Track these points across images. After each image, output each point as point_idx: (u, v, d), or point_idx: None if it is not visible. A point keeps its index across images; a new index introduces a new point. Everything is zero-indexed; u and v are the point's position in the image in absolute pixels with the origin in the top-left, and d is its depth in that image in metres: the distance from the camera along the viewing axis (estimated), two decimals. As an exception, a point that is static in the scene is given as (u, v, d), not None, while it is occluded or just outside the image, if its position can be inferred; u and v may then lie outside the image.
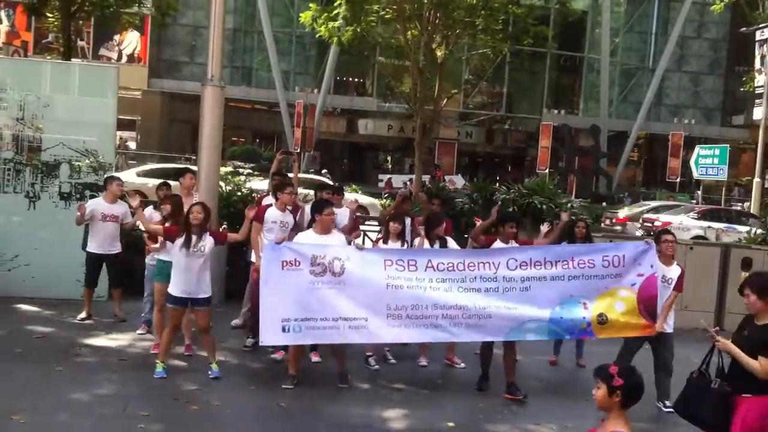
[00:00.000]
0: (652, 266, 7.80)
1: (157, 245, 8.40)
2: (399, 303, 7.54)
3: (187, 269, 7.56)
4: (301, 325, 7.40)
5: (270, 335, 7.46)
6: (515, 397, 7.73)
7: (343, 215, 9.01)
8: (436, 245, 8.22)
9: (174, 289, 7.62)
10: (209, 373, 7.72)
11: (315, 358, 8.44)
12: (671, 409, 7.71)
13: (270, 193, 9.75)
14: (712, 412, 5.21)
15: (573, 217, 10.67)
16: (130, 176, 21.18)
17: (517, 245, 8.11)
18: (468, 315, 7.60)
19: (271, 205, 8.93)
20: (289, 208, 8.92)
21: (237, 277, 10.25)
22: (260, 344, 7.87)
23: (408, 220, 8.95)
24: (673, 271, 7.89)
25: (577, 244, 8.61)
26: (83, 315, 9.52)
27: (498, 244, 8.19)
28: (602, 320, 7.80)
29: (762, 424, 4.99)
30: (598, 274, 7.80)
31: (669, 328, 7.86)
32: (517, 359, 8.16)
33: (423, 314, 7.58)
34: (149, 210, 9.28)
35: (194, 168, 11.95)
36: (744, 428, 5.00)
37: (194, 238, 7.55)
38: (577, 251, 7.99)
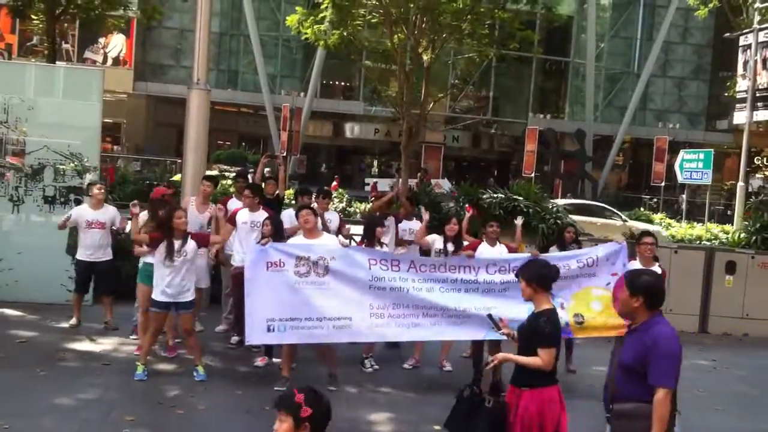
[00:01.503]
0: (624, 265, 7.96)
1: (144, 249, 8.35)
2: (381, 302, 7.70)
3: (170, 274, 7.57)
4: (286, 325, 7.44)
5: (255, 335, 7.52)
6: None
7: (333, 220, 9.25)
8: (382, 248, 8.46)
9: (157, 293, 7.60)
10: (194, 375, 7.70)
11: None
12: None
13: (234, 195, 9.96)
14: (487, 429, 4.95)
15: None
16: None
17: (497, 256, 8.29)
18: (448, 314, 7.81)
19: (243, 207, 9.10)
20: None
21: (222, 281, 10.21)
22: (246, 343, 7.91)
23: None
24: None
25: (553, 254, 8.69)
26: (74, 321, 9.40)
27: (483, 245, 8.37)
28: (579, 321, 7.93)
29: (540, 419, 4.84)
30: (573, 275, 8.00)
31: None
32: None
33: (404, 313, 7.76)
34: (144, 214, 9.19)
35: (212, 172, 11.98)
36: (523, 422, 4.83)
37: (177, 243, 7.56)
38: (554, 257, 8.13)
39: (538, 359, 4.80)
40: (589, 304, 7.95)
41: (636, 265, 7.94)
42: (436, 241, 8.89)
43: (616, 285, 7.83)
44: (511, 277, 7.85)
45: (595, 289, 7.95)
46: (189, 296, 7.70)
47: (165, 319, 7.81)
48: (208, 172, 10.61)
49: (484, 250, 8.48)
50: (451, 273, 7.88)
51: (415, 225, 9.66)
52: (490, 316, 5.31)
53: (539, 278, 5.00)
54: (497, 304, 7.79)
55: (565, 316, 7.85)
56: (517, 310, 7.78)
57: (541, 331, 4.84)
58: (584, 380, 9.00)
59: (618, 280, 7.75)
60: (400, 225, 9.65)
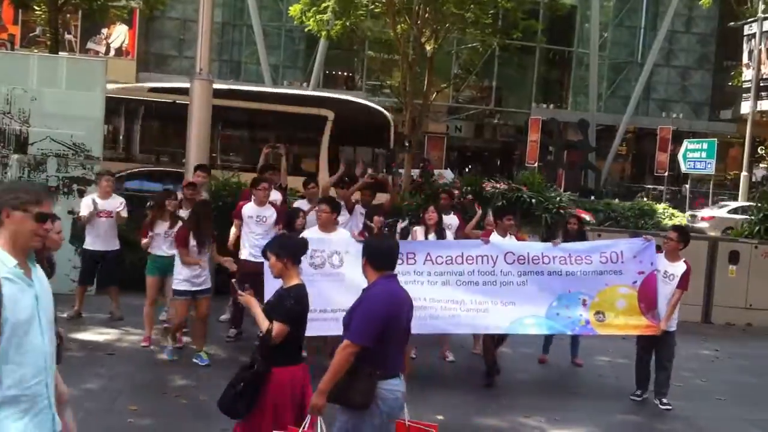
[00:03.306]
0: (652, 263, 7.83)
1: (146, 240, 8.51)
2: None
3: (197, 265, 7.81)
4: None
5: None
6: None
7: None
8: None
9: (181, 283, 7.77)
10: (197, 360, 7.80)
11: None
12: (669, 407, 7.76)
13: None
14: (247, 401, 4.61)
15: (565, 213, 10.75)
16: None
17: (515, 240, 8.22)
18: (466, 309, 7.69)
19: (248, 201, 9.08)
20: (278, 198, 9.13)
21: (226, 272, 10.20)
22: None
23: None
24: (677, 268, 7.71)
25: (575, 242, 8.59)
26: (72, 313, 9.41)
27: (495, 236, 8.29)
28: (600, 318, 7.83)
29: (299, 395, 4.65)
30: (595, 269, 7.87)
31: (672, 327, 7.77)
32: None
33: (420, 306, 7.65)
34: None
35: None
36: (281, 401, 4.57)
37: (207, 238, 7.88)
38: (575, 248, 8.07)
39: (266, 324, 4.55)
40: (615, 302, 7.84)
41: (661, 258, 7.84)
42: (417, 233, 8.73)
43: (643, 283, 7.83)
44: (530, 267, 7.82)
45: (622, 287, 7.83)
46: (208, 283, 7.99)
47: (189, 307, 7.93)
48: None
49: (495, 241, 8.44)
50: (468, 264, 7.75)
51: (452, 219, 9.34)
52: (232, 283, 5.11)
53: (290, 254, 4.73)
54: (516, 299, 7.76)
55: (585, 314, 7.82)
56: (536, 305, 7.79)
57: (282, 303, 4.63)
58: (591, 371, 9.04)
59: (645, 278, 7.78)
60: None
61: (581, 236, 9.24)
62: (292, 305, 4.59)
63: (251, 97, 18.09)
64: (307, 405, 4.53)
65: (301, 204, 9.33)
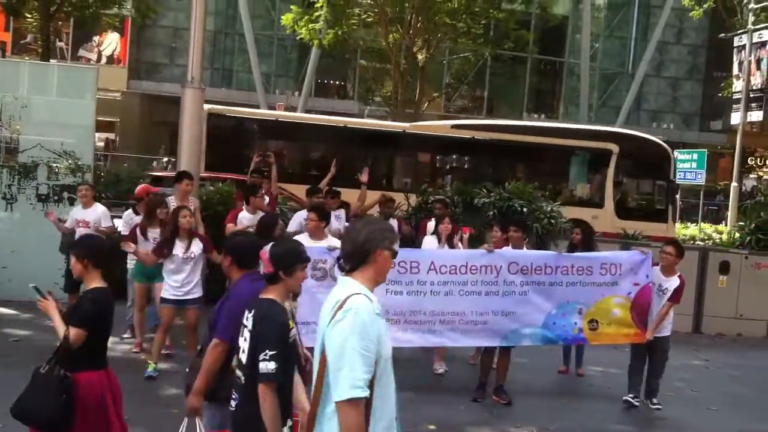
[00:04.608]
0: (647, 276, 7.94)
1: (132, 249, 8.22)
2: (398, 308, 7.54)
3: (178, 272, 7.62)
4: (301, 329, 7.37)
5: None
6: (501, 400, 7.79)
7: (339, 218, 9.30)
8: None
9: (167, 292, 7.65)
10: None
11: None
12: (659, 407, 7.85)
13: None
14: (52, 404, 4.33)
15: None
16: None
17: (521, 251, 8.16)
18: (465, 321, 7.70)
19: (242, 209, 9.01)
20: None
21: (218, 280, 10.16)
22: None
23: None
24: (671, 283, 7.88)
25: (576, 254, 8.63)
26: None
27: (507, 249, 8.25)
28: (593, 327, 7.93)
29: (102, 401, 4.55)
30: (594, 281, 7.95)
31: (666, 332, 7.92)
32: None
33: (421, 320, 7.65)
34: (129, 213, 9.25)
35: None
36: (83, 408, 4.40)
37: (185, 242, 7.62)
38: (577, 259, 8.13)
39: (63, 329, 4.47)
40: (609, 312, 7.98)
41: (657, 272, 7.97)
42: (428, 244, 8.69)
43: (637, 294, 7.92)
44: (533, 278, 7.82)
45: (616, 297, 7.96)
46: (197, 293, 7.75)
47: (173, 315, 7.81)
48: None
49: (499, 250, 8.40)
50: (472, 274, 7.71)
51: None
52: (36, 287, 4.94)
53: (91, 255, 4.62)
54: (516, 309, 7.77)
55: (579, 322, 7.90)
56: (536, 315, 7.82)
57: (80, 307, 4.56)
58: (583, 380, 9.04)
59: (639, 290, 7.87)
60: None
61: (587, 246, 9.24)
62: (89, 309, 4.51)
63: (538, 132, 19.18)
64: (116, 410, 4.59)
65: (302, 215, 8.94)
